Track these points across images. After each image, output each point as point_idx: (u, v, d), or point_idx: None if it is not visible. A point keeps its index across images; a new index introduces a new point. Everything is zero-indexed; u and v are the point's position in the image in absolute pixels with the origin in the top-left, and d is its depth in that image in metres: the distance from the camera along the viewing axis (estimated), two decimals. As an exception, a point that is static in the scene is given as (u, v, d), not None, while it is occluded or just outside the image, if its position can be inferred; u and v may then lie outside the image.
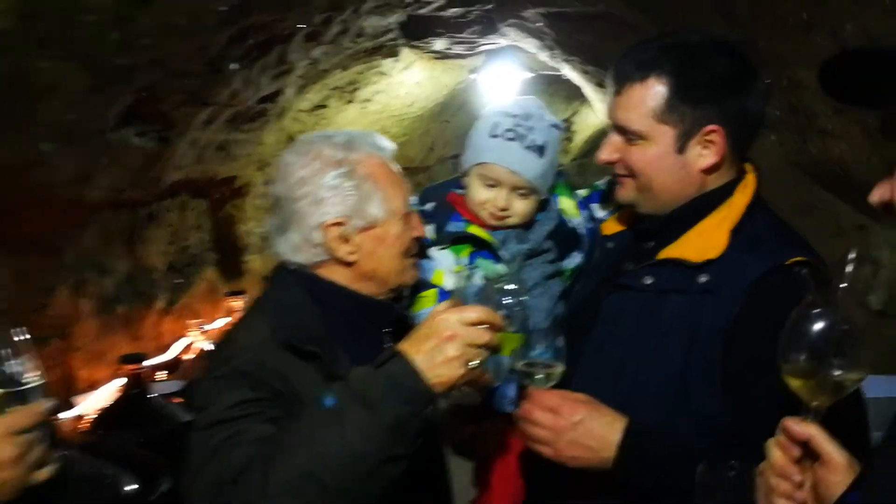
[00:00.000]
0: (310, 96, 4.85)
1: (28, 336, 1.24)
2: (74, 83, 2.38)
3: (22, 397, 1.19)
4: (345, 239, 1.53)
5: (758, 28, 2.83)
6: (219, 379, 1.42)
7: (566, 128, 9.05)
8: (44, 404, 1.21)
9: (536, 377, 1.45)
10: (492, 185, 1.73)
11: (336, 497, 1.24)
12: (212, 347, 4.05)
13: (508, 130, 1.70)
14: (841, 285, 1.01)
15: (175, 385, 3.62)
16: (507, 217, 1.74)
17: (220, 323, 4.55)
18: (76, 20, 2.18)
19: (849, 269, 1.01)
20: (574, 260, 1.80)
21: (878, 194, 0.92)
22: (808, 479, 1.06)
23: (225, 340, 1.57)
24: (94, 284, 3.82)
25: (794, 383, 1.05)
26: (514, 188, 1.72)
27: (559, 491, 1.55)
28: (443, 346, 1.28)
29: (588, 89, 5.33)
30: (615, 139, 1.55)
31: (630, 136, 1.52)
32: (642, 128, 1.49)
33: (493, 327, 1.32)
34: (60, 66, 2.28)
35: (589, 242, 1.80)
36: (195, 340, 4.15)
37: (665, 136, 1.48)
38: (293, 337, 1.44)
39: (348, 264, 1.54)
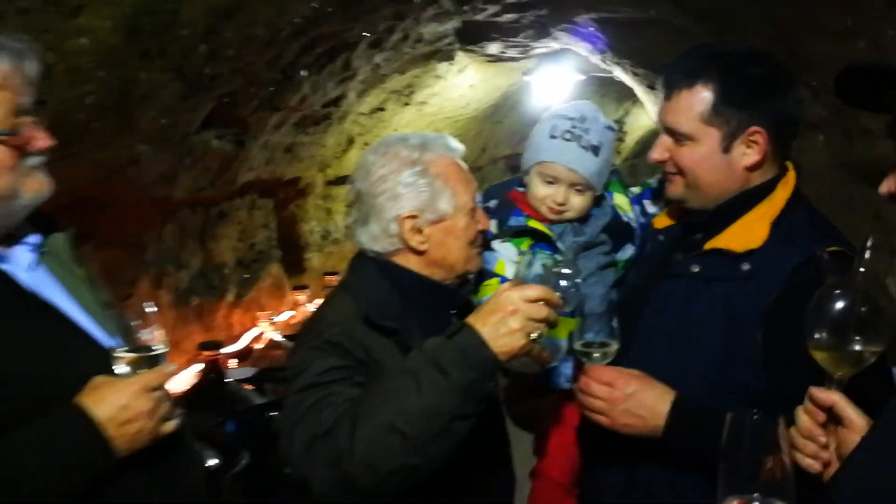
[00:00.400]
0: (369, 100, 5.06)
1: (155, 309, 1.45)
2: (168, 91, 2.63)
3: (154, 361, 1.40)
4: (417, 230, 1.69)
5: (803, 33, 2.94)
6: (311, 349, 1.60)
7: (619, 129, 9.13)
8: (170, 367, 1.43)
9: (594, 355, 1.61)
10: (551, 182, 1.88)
11: (414, 448, 1.41)
12: (280, 337, 4.31)
13: (566, 132, 1.85)
14: (860, 269, 1.16)
15: (248, 371, 3.85)
16: (565, 212, 1.89)
17: (287, 315, 4.79)
18: (172, 35, 2.42)
19: (867, 255, 1.15)
20: (627, 252, 1.95)
21: (885, 186, 1.06)
22: (832, 441, 1.20)
23: (315, 317, 1.76)
24: (171, 278, 4.09)
25: (819, 356, 1.19)
26: (572, 185, 1.87)
27: (612, 459, 1.71)
28: (506, 319, 1.43)
29: (639, 91, 5.42)
30: (666, 140, 1.70)
31: (679, 137, 1.66)
32: (690, 130, 1.63)
33: (550, 304, 1.48)
34: (157, 77, 2.52)
35: (641, 236, 1.94)
36: (265, 331, 4.38)
37: (711, 137, 1.62)
38: (374, 314, 1.62)
39: (420, 253, 1.71)
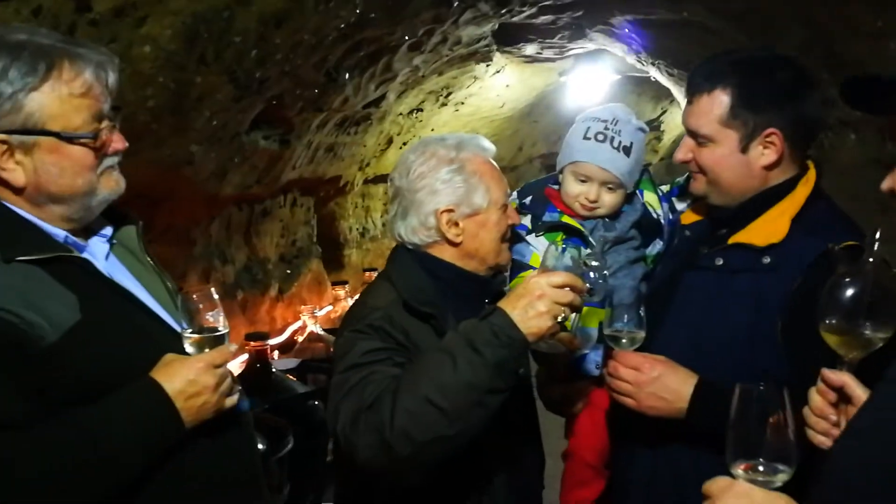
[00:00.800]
0: (408, 100, 5.19)
1: (217, 294, 1.58)
2: (221, 94, 2.78)
3: (218, 341, 1.53)
4: (454, 223, 1.80)
5: (835, 34, 2.99)
6: (355, 332, 1.72)
7: (656, 128, 9.17)
8: (231, 346, 1.56)
9: (622, 342, 1.71)
10: (584, 181, 1.98)
11: (448, 420, 1.52)
12: (321, 331, 4.46)
13: (599, 133, 1.96)
14: (869, 259, 1.24)
15: (291, 362, 4.00)
16: (597, 208, 1.99)
17: (327, 310, 4.94)
18: (226, 41, 2.57)
19: (876, 246, 1.24)
20: (656, 247, 2.04)
21: (887, 183, 1.15)
22: (843, 419, 1.28)
23: (358, 303, 1.87)
24: (218, 272, 4.26)
25: (831, 339, 1.28)
26: (603, 183, 1.97)
27: (640, 441, 1.81)
28: (534, 302, 1.53)
29: (675, 90, 5.47)
30: (689, 141, 1.80)
31: (700, 139, 1.76)
32: (710, 132, 1.73)
33: (575, 290, 1.58)
34: (212, 80, 2.67)
35: (669, 231, 2.03)
36: (307, 324, 4.52)
37: (730, 138, 1.72)
38: (414, 300, 1.74)
39: (455, 245, 1.82)
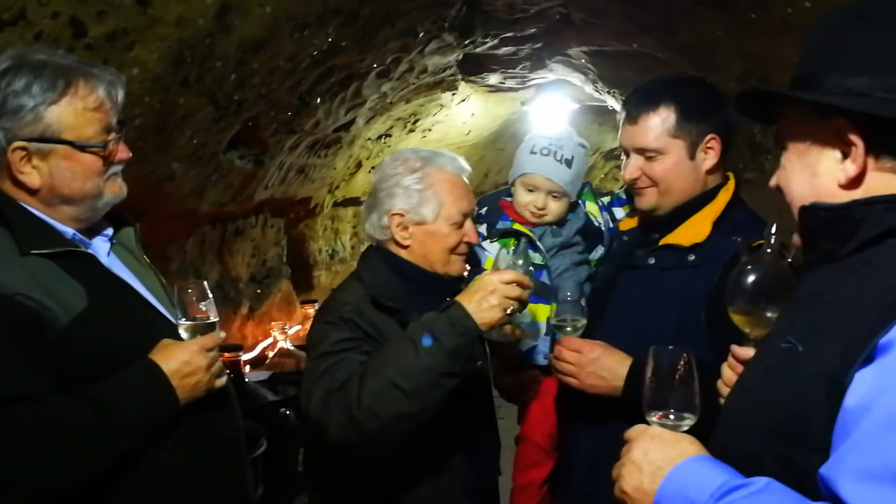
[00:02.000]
0: (377, 126, 5.41)
1: (208, 287, 1.76)
2: (202, 114, 2.97)
3: (209, 327, 1.71)
4: (404, 227, 1.98)
5: (770, 65, 3.27)
6: (327, 324, 1.89)
7: (616, 157, 9.48)
8: (221, 333, 1.73)
9: (566, 329, 1.92)
10: (531, 191, 2.20)
11: (411, 400, 1.70)
12: (291, 346, 4.61)
13: (544, 148, 2.19)
14: (767, 250, 1.46)
15: (263, 375, 4.16)
16: (545, 215, 2.21)
17: (297, 328, 5.10)
18: (208, 65, 2.76)
19: (772, 239, 1.46)
20: (598, 252, 2.28)
21: (773, 181, 1.36)
22: None
23: (331, 298, 2.06)
24: (192, 289, 4.38)
25: (737, 319, 1.46)
26: (549, 192, 2.19)
27: (584, 422, 2.00)
28: (487, 296, 1.73)
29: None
30: (636, 160, 1.98)
31: (649, 153, 1.96)
32: (661, 144, 1.93)
33: (522, 286, 1.78)
34: (193, 101, 2.86)
35: (609, 238, 2.27)
36: (278, 339, 4.67)
37: (678, 148, 1.93)
38: (380, 296, 1.91)
39: (404, 247, 1.99)
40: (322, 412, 1.75)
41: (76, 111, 1.57)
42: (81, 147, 1.58)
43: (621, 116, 2.02)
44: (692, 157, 1.94)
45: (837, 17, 1.18)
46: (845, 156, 1.13)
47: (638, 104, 1.97)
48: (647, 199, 2.00)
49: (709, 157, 1.94)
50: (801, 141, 1.19)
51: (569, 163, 2.17)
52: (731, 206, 1.94)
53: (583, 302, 1.91)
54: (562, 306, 1.93)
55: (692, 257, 1.89)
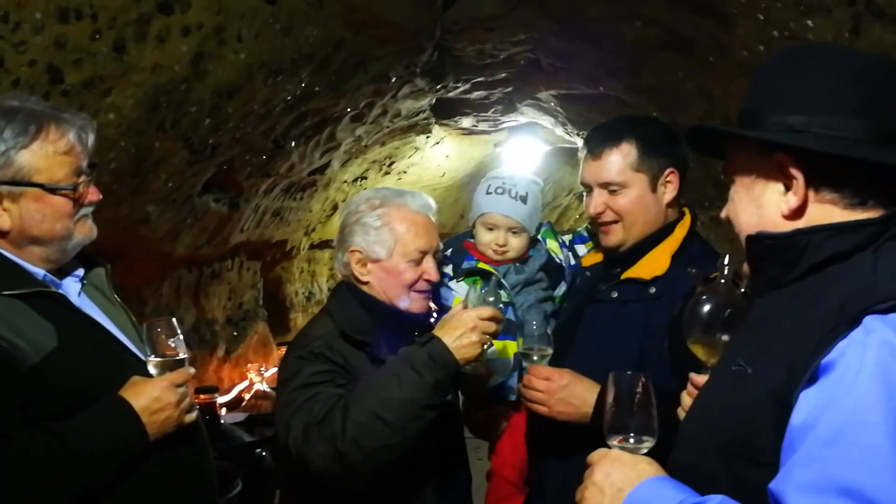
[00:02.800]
0: (352, 169, 5.47)
1: (177, 322, 1.79)
2: (177, 158, 3.02)
3: (178, 364, 1.73)
4: (363, 263, 2.02)
5: (730, 106, 3.39)
6: (299, 359, 1.92)
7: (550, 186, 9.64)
8: (191, 369, 1.76)
9: (533, 358, 1.97)
10: (491, 229, 2.26)
11: (393, 431, 1.74)
12: (268, 388, 4.61)
13: (498, 188, 2.26)
14: (721, 280, 1.52)
15: (239, 416, 4.16)
16: (506, 251, 2.27)
17: (274, 371, 5.09)
18: (183, 110, 2.82)
19: (725, 270, 1.52)
20: (561, 289, 2.33)
21: (724, 213, 1.43)
22: None
23: (301, 333, 2.08)
24: (167, 331, 4.38)
25: (695, 349, 1.52)
26: (508, 228, 2.25)
27: (552, 453, 2.04)
28: (468, 333, 1.79)
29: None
30: (599, 195, 2.04)
31: (614, 187, 2.02)
32: (624, 178, 2.01)
33: (496, 321, 1.86)
34: (168, 145, 2.91)
35: (571, 274, 2.33)
36: (254, 381, 4.67)
37: (641, 181, 2.01)
38: (349, 330, 1.95)
39: (364, 283, 2.04)
40: (302, 444, 1.78)
41: (46, 155, 1.61)
42: (52, 189, 1.62)
43: (583, 154, 2.09)
44: (654, 189, 2.01)
45: (780, 59, 1.26)
46: (787, 188, 1.19)
47: (601, 141, 2.04)
48: (613, 237, 2.06)
49: (668, 191, 2.02)
50: (747, 175, 1.26)
51: (524, 199, 2.25)
52: (688, 239, 2.02)
53: (549, 331, 1.97)
54: (529, 337, 1.99)
55: (653, 290, 1.96)
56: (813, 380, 1.04)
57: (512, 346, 2.17)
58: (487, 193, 2.28)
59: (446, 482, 2.06)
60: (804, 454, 1.00)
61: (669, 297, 1.91)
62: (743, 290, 1.52)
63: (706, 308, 1.50)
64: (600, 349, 2.00)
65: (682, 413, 1.56)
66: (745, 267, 1.34)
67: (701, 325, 1.50)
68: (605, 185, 2.04)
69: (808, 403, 1.03)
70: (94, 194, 1.72)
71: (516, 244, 2.26)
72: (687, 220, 2.06)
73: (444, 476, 2.05)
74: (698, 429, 1.26)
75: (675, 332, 1.84)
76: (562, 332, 2.09)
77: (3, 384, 1.50)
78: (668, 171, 2.01)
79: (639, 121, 2.13)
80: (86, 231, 1.73)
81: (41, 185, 1.61)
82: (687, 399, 1.55)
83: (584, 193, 2.12)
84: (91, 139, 1.71)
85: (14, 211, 1.62)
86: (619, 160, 2.01)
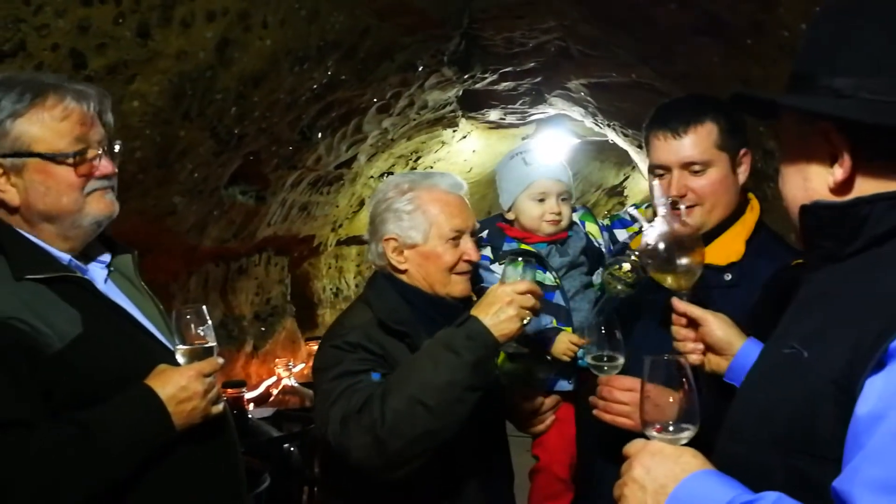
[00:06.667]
0: (379, 164, 5.43)
1: (207, 312, 1.74)
2: (203, 148, 2.98)
3: (206, 353, 1.68)
4: (399, 251, 1.95)
5: (769, 88, 3.28)
6: (335, 348, 1.86)
7: (619, 193, 9.51)
8: (219, 359, 1.71)
9: (604, 368, 1.83)
10: (542, 200, 2.18)
11: (435, 416, 1.67)
12: (296, 383, 4.57)
13: (534, 157, 2.20)
14: (663, 214, 1.62)
15: (267, 411, 4.12)
16: (560, 220, 2.18)
17: (302, 366, 5.06)
18: (209, 98, 2.78)
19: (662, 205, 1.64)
20: (598, 275, 2.21)
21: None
22: (699, 336, 1.58)
23: (337, 322, 2.02)
24: (195, 327, 4.36)
25: (661, 278, 1.59)
26: (559, 195, 2.18)
27: (614, 454, 1.91)
28: (504, 308, 1.71)
29: (632, 152, 5.75)
30: (680, 175, 1.89)
31: (697, 166, 1.88)
32: (710, 157, 1.87)
33: (535, 295, 1.77)
34: (194, 135, 2.87)
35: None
36: (282, 377, 4.64)
37: (724, 160, 1.88)
38: (388, 320, 1.89)
39: (402, 271, 1.97)
40: (342, 436, 1.72)
41: (43, 122, 1.55)
42: (52, 158, 1.55)
43: (659, 133, 1.93)
44: (734, 170, 1.91)
45: (828, 12, 1.16)
46: (834, 159, 1.10)
47: (683, 119, 1.90)
48: (692, 220, 1.86)
49: (744, 172, 1.92)
50: (794, 145, 1.17)
51: (563, 164, 2.18)
52: (759, 225, 1.92)
53: (618, 336, 1.83)
54: (596, 343, 1.85)
55: (728, 276, 1.85)
56: (881, 365, 0.94)
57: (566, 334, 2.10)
58: (527, 164, 2.19)
59: (488, 477, 1.99)
60: (873, 448, 0.91)
61: (745, 286, 1.80)
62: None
63: (662, 245, 1.62)
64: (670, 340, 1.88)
65: (677, 343, 1.61)
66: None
67: (656, 254, 1.63)
68: (687, 166, 1.89)
69: (875, 391, 0.93)
70: (106, 167, 1.62)
71: (566, 212, 2.20)
72: (755, 204, 1.96)
73: (485, 470, 1.98)
74: (747, 416, 1.16)
75: (757, 323, 1.68)
76: (625, 325, 1.94)
77: (27, 371, 1.45)
78: (742, 151, 1.90)
79: (712, 99, 1.98)
80: (102, 207, 1.63)
81: (40, 155, 1.54)
82: (675, 327, 1.62)
83: (652, 177, 1.96)
84: (102, 109, 1.63)
85: (20, 185, 1.56)
86: (704, 138, 1.88)
